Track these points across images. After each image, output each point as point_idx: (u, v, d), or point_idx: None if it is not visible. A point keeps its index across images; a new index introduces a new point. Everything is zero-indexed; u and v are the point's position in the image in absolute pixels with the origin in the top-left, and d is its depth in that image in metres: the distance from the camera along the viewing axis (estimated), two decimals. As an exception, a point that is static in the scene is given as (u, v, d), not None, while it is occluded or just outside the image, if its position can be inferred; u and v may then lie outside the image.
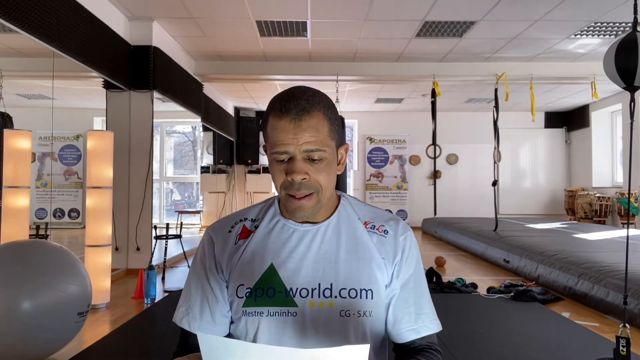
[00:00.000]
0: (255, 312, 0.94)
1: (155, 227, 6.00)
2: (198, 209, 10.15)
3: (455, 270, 5.40)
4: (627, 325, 2.37)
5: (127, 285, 4.43)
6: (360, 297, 0.95)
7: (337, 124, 0.98)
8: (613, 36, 5.74)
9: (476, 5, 4.88)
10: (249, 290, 0.95)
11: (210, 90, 7.97)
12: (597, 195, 9.25)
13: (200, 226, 9.82)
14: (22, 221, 3.63)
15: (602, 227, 7.67)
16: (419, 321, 1.00)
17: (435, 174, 6.86)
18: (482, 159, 10.72)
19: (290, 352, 0.62)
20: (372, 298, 0.95)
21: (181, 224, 5.67)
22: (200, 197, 10.21)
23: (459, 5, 4.86)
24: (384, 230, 1.01)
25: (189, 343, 1.00)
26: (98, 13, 4.38)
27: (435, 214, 6.98)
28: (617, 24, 5.35)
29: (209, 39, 5.93)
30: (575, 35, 5.74)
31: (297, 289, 0.94)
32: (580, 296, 3.73)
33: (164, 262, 4.79)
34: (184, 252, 5.08)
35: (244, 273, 0.96)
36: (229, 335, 1.00)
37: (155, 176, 6.37)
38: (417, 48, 6.29)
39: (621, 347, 2.30)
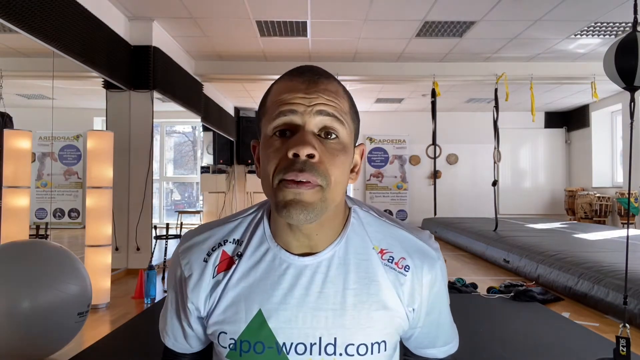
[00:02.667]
0: None
1: (155, 227, 6.00)
2: (198, 209, 10.15)
3: (455, 270, 5.40)
4: (627, 325, 2.37)
5: (127, 285, 4.43)
6: (372, 353, 0.75)
7: (356, 113, 0.78)
8: (613, 36, 5.74)
9: (476, 5, 4.88)
10: (233, 341, 0.76)
11: (210, 90, 7.97)
12: (597, 195, 9.25)
13: (200, 226, 9.82)
14: (22, 221, 3.63)
15: (602, 227, 7.67)
16: (436, 345, 0.88)
17: (435, 174, 6.86)
18: (482, 159, 10.71)
19: None
20: (385, 350, 0.77)
21: (181, 224, 5.67)
22: (200, 197, 10.22)
23: (459, 5, 4.86)
24: (405, 267, 0.78)
25: (171, 353, 0.89)
26: (98, 13, 4.38)
27: (435, 214, 6.98)
28: (617, 24, 5.35)
29: (209, 39, 5.93)
30: (575, 35, 5.74)
31: (292, 344, 0.74)
32: (580, 296, 3.73)
33: (164, 262, 4.79)
34: (184, 252, 5.08)
35: (225, 319, 0.76)
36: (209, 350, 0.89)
37: (155, 176, 6.37)
38: (417, 48, 6.29)
39: (621, 347, 2.30)
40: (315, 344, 0.74)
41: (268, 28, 5.53)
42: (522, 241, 5.42)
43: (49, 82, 4.34)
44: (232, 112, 9.98)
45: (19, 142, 3.62)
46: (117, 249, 4.97)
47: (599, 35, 5.75)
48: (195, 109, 6.79)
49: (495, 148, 6.82)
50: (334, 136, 0.71)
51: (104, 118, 5.11)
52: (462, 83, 7.43)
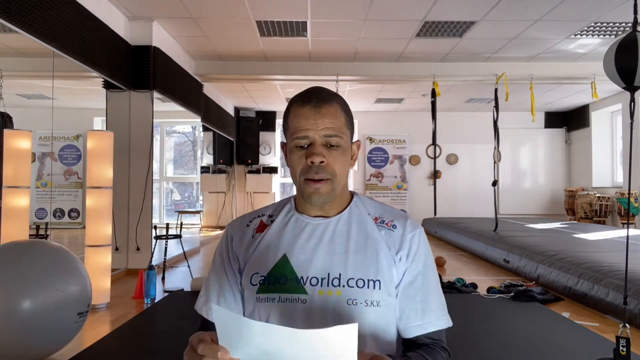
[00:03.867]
0: (267, 298, 0.98)
1: (155, 227, 6.00)
2: (198, 209, 10.15)
3: (455, 270, 5.40)
4: (627, 325, 2.37)
5: (127, 285, 4.43)
6: (368, 287, 0.97)
7: (351, 120, 1.08)
8: (613, 36, 5.74)
9: (476, 5, 4.88)
10: (263, 277, 1.00)
11: (210, 90, 7.96)
12: (597, 195, 9.25)
13: (200, 226, 9.82)
14: (22, 221, 3.63)
15: (602, 227, 7.67)
16: (425, 317, 1.00)
17: (435, 174, 6.86)
18: (482, 159, 10.71)
19: (287, 332, 0.69)
20: (379, 288, 0.97)
21: (181, 224, 5.67)
22: (200, 197, 10.22)
23: (459, 5, 4.86)
24: (393, 225, 1.05)
25: (208, 329, 0.99)
26: (98, 13, 4.38)
27: (435, 214, 6.98)
28: (617, 24, 5.35)
29: (209, 39, 5.93)
30: (575, 35, 5.74)
31: (307, 277, 0.98)
32: (580, 296, 3.73)
33: (164, 262, 4.79)
34: (184, 252, 5.08)
35: (258, 262, 1.02)
36: None
37: (155, 176, 6.37)
38: (417, 48, 6.29)
39: (621, 347, 2.30)
40: (324, 278, 0.98)
41: (268, 28, 5.53)
42: (522, 241, 5.42)
43: (49, 82, 4.34)
44: (232, 112, 9.98)
45: (19, 142, 3.62)
46: (117, 249, 4.97)
47: (599, 35, 5.75)
48: (195, 109, 6.79)
49: (495, 148, 6.82)
50: (336, 146, 1.01)
51: (104, 118, 5.11)
52: (462, 83, 7.43)
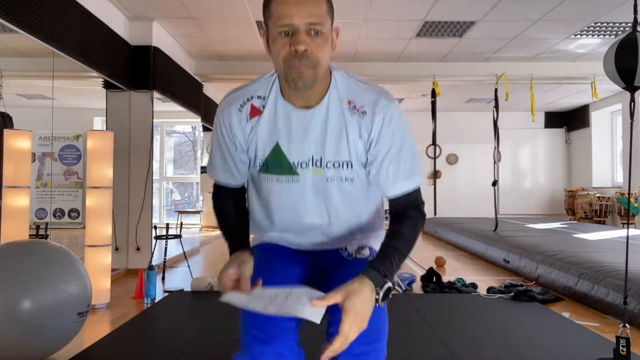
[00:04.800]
0: (267, 178, 1.24)
1: (155, 227, 5.99)
2: (198, 209, 10.15)
3: (455, 270, 5.40)
4: (627, 325, 2.37)
5: (127, 285, 4.43)
6: (342, 168, 1.20)
7: (332, 8, 1.17)
8: (613, 36, 5.74)
9: (476, 5, 4.88)
10: (262, 162, 1.23)
11: (210, 90, 7.97)
12: (597, 195, 9.25)
13: (200, 226, 9.82)
14: (22, 221, 3.63)
15: (602, 227, 7.67)
16: (396, 183, 1.20)
17: (435, 174, 6.86)
18: (482, 159, 10.70)
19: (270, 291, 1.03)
20: (351, 168, 1.21)
21: (181, 224, 5.67)
22: (200, 197, 10.22)
23: (459, 5, 4.86)
24: (363, 112, 1.17)
25: (218, 191, 1.35)
26: (98, 13, 4.38)
27: (435, 214, 6.98)
28: (617, 24, 5.35)
29: (209, 39, 5.93)
30: (575, 35, 5.74)
31: (297, 162, 1.21)
32: (580, 296, 3.73)
33: (164, 262, 4.79)
34: (184, 252, 5.08)
35: (257, 149, 1.23)
36: (249, 187, 1.35)
37: (155, 176, 6.37)
38: (417, 48, 6.29)
39: (621, 347, 2.30)
40: (309, 161, 1.20)
41: (268, 28, 5.53)
42: (522, 241, 5.42)
43: (49, 82, 4.33)
44: (232, 112, 9.97)
45: (19, 142, 3.62)
46: (117, 249, 4.97)
47: (599, 35, 5.75)
48: (195, 109, 6.79)
49: (495, 148, 6.82)
50: (319, 33, 1.08)
51: (104, 118, 5.11)
52: (462, 83, 7.43)
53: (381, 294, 1.03)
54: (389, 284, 1.06)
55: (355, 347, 1.05)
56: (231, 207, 1.33)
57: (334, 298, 1.00)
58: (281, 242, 1.35)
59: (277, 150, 1.20)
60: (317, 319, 0.97)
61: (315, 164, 1.20)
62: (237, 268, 1.16)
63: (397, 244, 1.14)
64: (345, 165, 1.20)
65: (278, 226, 1.31)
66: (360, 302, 0.99)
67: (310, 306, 0.98)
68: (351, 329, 0.97)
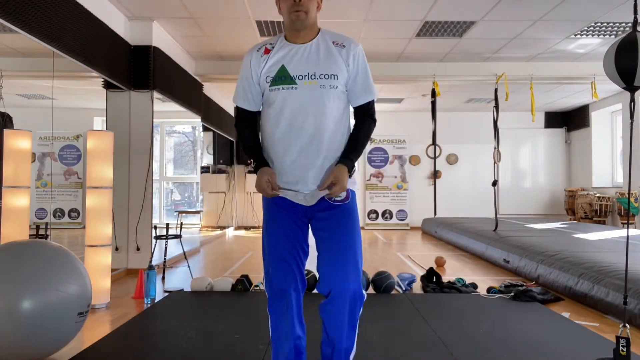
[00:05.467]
0: (275, 88, 1.81)
1: (155, 227, 5.99)
2: (198, 209, 10.15)
3: (455, 270, 5.40)
4: (627, 325, 2.37)
5: (127, 285, 4.43)
6: (330, 78, 1.80)
7: None
8: (613, 36, 5.74)
9: (476, 5, 4.88)
10: (271, 77, 1.81)
11: (210, 90, 7.96)
12: (597, 195, 9.25)
13: (200, 226, 9.82)
14: (22, 221, 3.63)
15: (602, 227, 7.67)
16: (358, 97, 1.88)
17: (435, 174, 6.86)
18: (482, 159, 10.71)
19: None
20: (337, 79, 1.81)
21: (181, 224, 5.67)
22: (200, 197, 10.22)
23: (459, 5, 4.87)
24: (342, 46, 1.83)
25: (242, 115, 1.94)
26: (98, 13, 4.38)
27: (435, 214, 6.98)
28: (617, 24, 5.35)
29: (209, 39, 5.93)
30: (575, 35, 5.74)
31: (296, 75, 1.79)
32: (580, 296, 3.73)
33: (164, 262, 4.79)
34: (184, 252, 5.08)
35: (269, 71, 1.82)
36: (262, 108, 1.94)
37: (155, 176, 6.37)
38: (417, 48, 6.30)
39: (621, 347, 2.30)
40: (306, 75, 1.78)
41: (268, 28, 5.53)
42: (522, 241, 5.42)
43: (49, 82, 4.33)
44: (232, 112, 9.98)
45: (19, 142, 3.62)
46: (117, 249, 4.97)
47: (599, 35, 5.75)
48: (195, 109, 6.79)
49: (495, 148, 6.82)
50: None
51: (104, 118, 5.11)
52: (462, 83, 7.43)
53: (351, 172, 1.83)
54: (354, 167, 1.85)
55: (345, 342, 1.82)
56: (249, 132, 1.91)
57: (329, 179, 1.77)
58: (286, 194, 1.88)
59: (282, 69, 1.79)
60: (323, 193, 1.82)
61: (311, 77, 1.78)
62: (269, 177, 1.80)
63: (358, 140, 1.86)
64: (333, 77, 1.79)
65: (283, 154, 1.84)
66: (342, 177, 1.77)
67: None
68: (339, 188, 1.76)
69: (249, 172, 10.60)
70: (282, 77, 1.78)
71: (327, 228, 1.83)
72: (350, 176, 1.80)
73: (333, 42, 1.82)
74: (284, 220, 1.84)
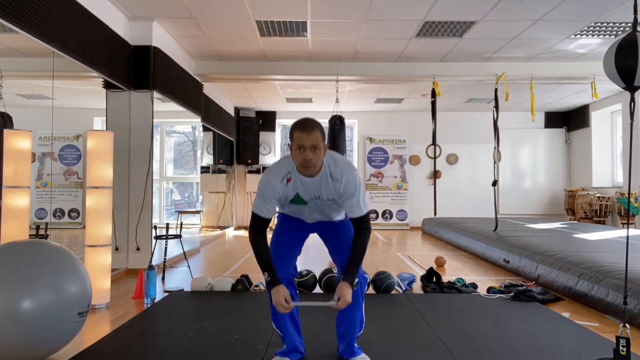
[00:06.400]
0: (292, 205, 2.35)
1: (155, 227, 5.99)
2: (198, 209, 10.15)
3: (455, 270, 5.40)
4: (627, 325, 2.37)
5: (127, 285, 4.43)
6: (329, 200, 2.30)
7: (324, 134, 2.20)
8: (613, 36, 5.74)
9: (476, 5, 4.88)
10: (290, 199, 2.31)
11: (210, 90, 7.97)
12: (597, 195, 9.25)
13: (200, 226, 9.82)
14: (22, 221, 3.63)
15: (602, 227, 7.67)
16: (352, 211, 2.29)
17: (435, 174, 6.86)
18: (482, 159, 10.71)
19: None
20: (334, 200, 2.30)
21: (181, 224, 5.67)
22: (200, 197, 10.21)
23: (459, 5, 4.87)
24: (337, 179, 2.25)
25: (260, 222, 2.29)
26: (98, 13, 4.38)
27: (435, 214, 6.98)
28: (617, 24, 5.35)
29: (209, 39, 5.93)
30: (575, 35, 5.74)
31: (307, 198, 2.30)
32: (580, 296, 3.73)
33: (164, 262, 4.79)
34: (184, 252, 5.08)
35: (288, 195, 2.29)
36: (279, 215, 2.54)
37: (155, 176, 6.37)
38: (417, 48, 6.30)
39: (621, 347, 2.30)
40: (313, 197, 2.30)
41: (268, 28, 5.53)
42: (522, 241, 5.42)
43: (49, 82, 4.33)
44: (232, 112, 9.98)
45: (19, 142, 3.62)
46: (117, 249, 4.98)
47: (599, 35, 5.75)
48: (195, 109, 6.79)
49: (495, 148, 6.82)
50: (316, 149, 2.16)
51: (104, 118, 5.11)
52: (462, 83, 7.43)
53: (354, 285, 2.23)
54: (356, 280, 2.25)
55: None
56: (263, 242, 2.28)
57: (335, 296, 2.18)
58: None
59: (297, 195, 2.29)
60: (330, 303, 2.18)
61: (318, 198, 2.30)
62: (285, 297, 2.18)
63: (355, 254, 2.27)
64: (331, 199, 2.30)
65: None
66: (345, 293, 2.17)
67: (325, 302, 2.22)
68: (343, 302, 2.16)
69: (249, 172, 10.60)
70: (298, 200, 2.31)
71: (330, 236, 2.51)
72: (353, 289, 2.21)
73: (331, 176, 2.24)
74: (291, 230, 2.49)
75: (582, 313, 3.52)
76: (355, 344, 2.48)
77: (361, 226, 2.28)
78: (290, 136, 2.19)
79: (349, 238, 2.34)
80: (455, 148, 10.89)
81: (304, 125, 2.13)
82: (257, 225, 2.28)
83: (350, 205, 2.26)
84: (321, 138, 2.15)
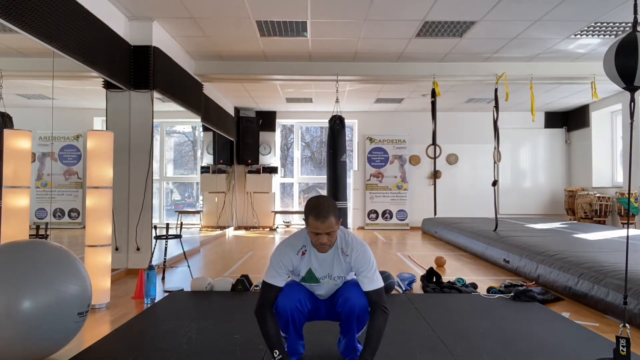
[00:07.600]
0: (304, 284, 2.41)
1: (155, 227, 5.99)
2: (198, 209, 10.15)
3: (455, 270, 5.40)
4: (627, 325, 2.37)
5: (127, 285, 4.43)
6: (340, 278, 2.39)
7: (338, 216, 2.24)
8: (613, 36, 5.74)
9: (476, 5, 4.88)
10: (302, 276, 2.39)
11: (210, 90, 7.97)
12: (597, 195, 9.25)
13: (200, 226, 9.82)
14: (22, 221, 3.63)
15: (602, 227, 7.67)
16: (364, 284, 2.32)
17: (435, 174, 6.86)
18: (482, 159, 10.71)
19: None
20: (345, 278, 2.41)
21: (181, 224, 5.67)
22: (200, 197, 10.21)
23: (459, 5, 4.87)
24: (346, 255, 2.35)
25: (270, 291, 2.31)
26: (98, 13, 4.38)
27: (435, 214, 6.98)
28: (617, 24, 5.35)
29: (209, 39, 5.93)
30: (575, 35, 5.74)
31: (320, 276, 2.38)
32: (580, 296, 3.73)
33: (164, 262, 4.79)
34: (184, 252, 5.08)
35: (301, 270, 2.38)
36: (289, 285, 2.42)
37: (155, 176, 6.37)
38: (417, 48, 6.30)
39: (621, 347, 2.30)
40: (326, 276, 2.38)
41: (268, 28, 5.53)
42: (522, 241, 5.42)
43: (49, 82, 4.33)
44: (232, 112, 9.98)
45: (19, 142, 3.62)
46: (117, 249, 4.98)
47: (599, 35, 5.75)
48: (195, 109, 6.79)
49: (495, 148, 6.82)
50: (331, 234, 2.23)
51: (104, 118, 5.11)
52: (462, 83, 7.43)
53: None
54: None
55: None
56: (271, 317, 2.28)
57: None
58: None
59: (310, 271, 2.37)
60: None
61: (329, 277, 2.38)
62: None
63: (372, 339, 2.23)
64: (341, 277, 2.40)
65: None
66: None
67: None
68: None
69: (249, 172, 10.60)
70: (310, 278, 2.38)
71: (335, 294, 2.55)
72: None
73: (342, 251, 2.33)
74: (303, 287, 2.51)
75: (582, 313, 3.52)
76: (357, 340, 2.51)
77: (376, 303, 2.26)
78: (306, 219, 2.24)
79: (354, 282, 2.39)
80: (455, 148, 10.89)
81: (319, 214, 2.16)
82: (266, 296, 2.27)
83: (363, 278, 2.29)
84: (335, 222, 2.20)
